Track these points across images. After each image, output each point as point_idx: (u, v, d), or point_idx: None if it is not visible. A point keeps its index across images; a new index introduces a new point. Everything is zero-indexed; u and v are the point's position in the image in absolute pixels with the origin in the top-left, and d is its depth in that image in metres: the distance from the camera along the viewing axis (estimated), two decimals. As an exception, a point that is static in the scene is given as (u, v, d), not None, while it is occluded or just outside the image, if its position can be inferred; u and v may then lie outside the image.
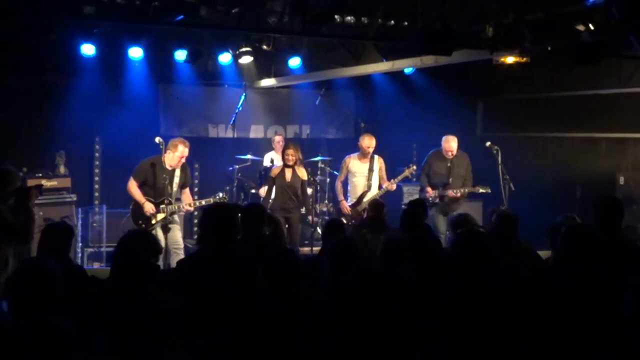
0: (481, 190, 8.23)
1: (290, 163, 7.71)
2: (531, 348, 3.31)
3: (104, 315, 3.22)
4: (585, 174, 9.64)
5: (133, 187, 7.17)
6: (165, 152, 7.13)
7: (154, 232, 6.92)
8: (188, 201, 7.38)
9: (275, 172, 7.81)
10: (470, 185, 8.34)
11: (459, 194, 8.19)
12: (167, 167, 7.13)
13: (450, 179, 8.26)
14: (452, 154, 8.30)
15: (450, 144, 8.29)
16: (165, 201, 7.10)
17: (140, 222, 7.13)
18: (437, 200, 8.22)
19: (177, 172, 7.19)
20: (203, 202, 7.40)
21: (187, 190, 7.44)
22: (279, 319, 3.41)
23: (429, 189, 8.26)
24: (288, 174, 7.74)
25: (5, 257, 5.00)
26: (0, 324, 2.93)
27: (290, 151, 7.71)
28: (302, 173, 7.83)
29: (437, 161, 8.39)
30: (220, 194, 7.56)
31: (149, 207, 7.07)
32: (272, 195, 7.82)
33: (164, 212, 7.11)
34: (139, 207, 7.15)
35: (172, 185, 7.12)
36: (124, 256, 3.59)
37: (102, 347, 3.04)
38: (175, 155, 7.11)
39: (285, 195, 7.70)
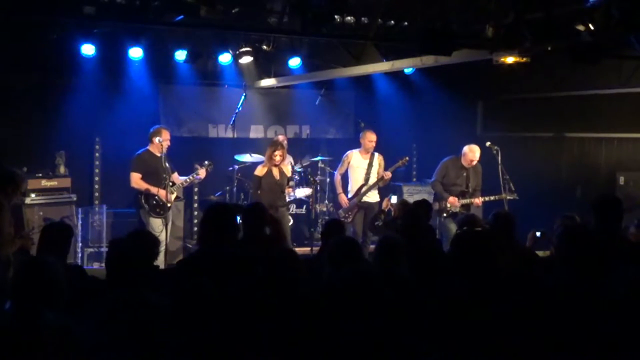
0: (509, 198, 8.08)
1: (279, 163, 7.88)
2: (529, 348, 3.31)
3: (99, 315, 3.23)
4: (585, 174, 9.63)
5: (139, 180, 7.60)
6: (151, 143, 7.64)
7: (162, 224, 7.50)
8: (179, 182, 7.90)
9: (262, 171, 7.85)
10: (480, 193, 8.31)
11: (483, 200, 8.18)
12: (157, 155, 7.57)
13: (470, 189, 8.24)
14: (473, 164, 8.23)
15: (475, 154, 8.19)
16: (170, 183, 7.58)
17: (158, 210, 7.59)
18: (458, 209, 8.11)
19: (165, 159, 7.64)
20: (198, 174, 7.93)
21: (175, 174, 7.93)
22: (279, 319, 3.41)
23: (452, 199, 8.13)
24: (275, 172, 7.87)
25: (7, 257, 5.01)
26: (3, 324, 2.93)
27: (280, 152, 7.85)
28: (287, 170, 8.14)
29: (454, 170, 8.30)
30: (206, 162, 8.03)
31: (163, 193, 7.53)
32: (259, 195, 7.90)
33: (173, 192, 7.65)
34: (150, 198, 7.56)
35: (166, 170, 7.58)
36: (119, 258, 3.60)
37: (97, 345, 3.05)
38: (163, 140, 7.60)
39: (275, 194, 7.82)
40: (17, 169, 5.65)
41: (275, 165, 7.87)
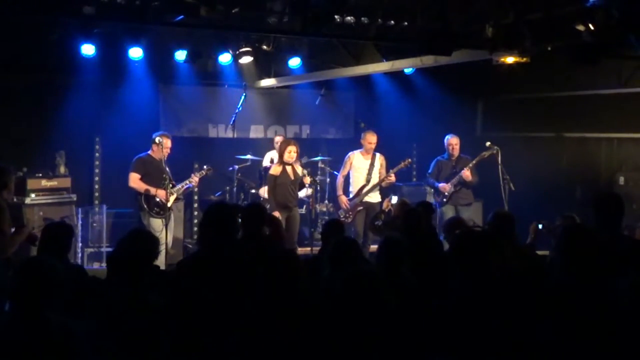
0: (487, 154, 8.34)
1: (292, 161, 7.89)
2: (529, 348, 3.31)
3: (98, 314, 3.23)
4: (585, 174, 9.64)
5: (137, 180, 7.66)
6: (152, 148, 7.72)
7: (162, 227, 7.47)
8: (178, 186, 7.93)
9: (277, 170, 7.85)
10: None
11: (469, 169, 8.39)
12: (157, 159, 7.65)
13: (457, 169, 8.55)
14: (456, 150, 8.57)
15: (451, 140, 8.62)
16: (170, 184, 7.61)
17: (156, 209, 7.63)
18: (453, 190, 8.46)
19: (164, 162, 7.71)
20: (191, 182, 7.97)
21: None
22: (279, 320, 3.41)
23: (441, 185, 8.50)
24: (290, 172, 7.89)
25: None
26: (3, 324, 2.94)
27: (294, 148, 7.88)
28: (300, 170, 8.08)
29: (445, 165, 8.66)
30: (205, 167, 8.10)
31: (162, 193, 7.57)
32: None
33: (172, 193, 7.66)
34: (149, 198, 7.60)
35: (167, 172, 7.65)
36: (122, 256, 3.60)
37: (97, 344, 3.05)
38: (164, 148, 7.67)
39: (288, 193, 7.83)
40: (7, 164, 5.58)
41: (289, 164, 7.88)
